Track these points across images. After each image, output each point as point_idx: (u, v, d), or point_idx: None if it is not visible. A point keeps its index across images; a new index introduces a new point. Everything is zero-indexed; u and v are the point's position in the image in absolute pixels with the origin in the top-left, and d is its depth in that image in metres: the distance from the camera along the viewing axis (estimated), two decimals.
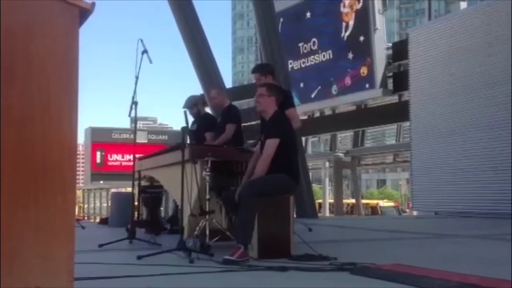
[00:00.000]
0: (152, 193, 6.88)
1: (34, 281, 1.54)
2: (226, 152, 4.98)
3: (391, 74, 22.63)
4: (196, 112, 6.51)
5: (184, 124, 4.73)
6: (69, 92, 1.68)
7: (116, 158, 29.47)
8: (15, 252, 1.52)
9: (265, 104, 4.47)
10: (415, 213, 16.34)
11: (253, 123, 11.10)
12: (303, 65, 25.71)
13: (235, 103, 7.10)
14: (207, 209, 4.50)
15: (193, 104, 6.46)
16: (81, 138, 29.44)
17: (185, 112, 4.96)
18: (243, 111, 6.51)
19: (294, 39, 25.29)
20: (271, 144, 4.27)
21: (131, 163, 6.35)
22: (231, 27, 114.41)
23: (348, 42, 23.63)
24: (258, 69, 5.40)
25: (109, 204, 12.65)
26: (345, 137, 27.28)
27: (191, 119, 6.39)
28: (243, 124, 6.25)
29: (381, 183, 67.26)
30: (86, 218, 29.41)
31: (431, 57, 13.49)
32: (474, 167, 11.94)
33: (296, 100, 20.81)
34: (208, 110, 8.28)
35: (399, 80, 20.97)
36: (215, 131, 6.15)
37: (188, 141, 4.92)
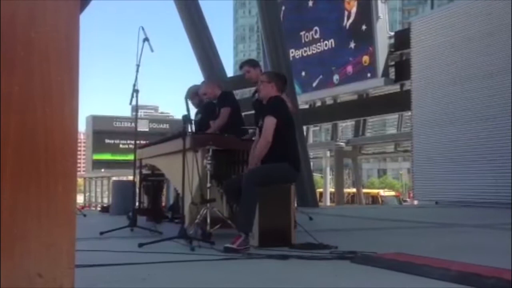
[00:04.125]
0: (153, 182, 6.89)
1: (35, 268, 1.54)
2: (227, 141, 4.96)
3: (393, 63, 22.54)
4: (198, 102, 6.35)
5: (185, 113, 4.71)
6: (70, 79, 1.67)
7: None
8: (16, 240, 1.52)
9: (265, 91, 4.52)
10: (416, 202, 16.36)
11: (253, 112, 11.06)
12: (304, 54, 25.62)
13: (237, 91, 7.03)
14: (208, 198, 4.51)
15: (194, 94, 6.29)
16: (82, 126, 29.51)
17: (186, 100, 4.94)
18: (245, 100, 6.45)
19: (296, 27, 25.18)
20: (268, 123, 4.29)
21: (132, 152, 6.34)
22: (232, 15, 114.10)
23: (350, 30, 23.52)
24: (247, 62, 5.60)
25: (111, 192, 12.67)
26: (346, 127, 27.24)
27: (194, 109, 6.31)
28: (244, 113, 6.19)
29: (382, 172, 67.26)
30: (87, 206, 29.50)
31: (433, 46, 13.44)
32: (475, 156, 11.94)
33: (297, 89, 20.66)
34: None
35: (401, 69, 20.90)
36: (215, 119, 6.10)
37: (190, 130, 4.87)
